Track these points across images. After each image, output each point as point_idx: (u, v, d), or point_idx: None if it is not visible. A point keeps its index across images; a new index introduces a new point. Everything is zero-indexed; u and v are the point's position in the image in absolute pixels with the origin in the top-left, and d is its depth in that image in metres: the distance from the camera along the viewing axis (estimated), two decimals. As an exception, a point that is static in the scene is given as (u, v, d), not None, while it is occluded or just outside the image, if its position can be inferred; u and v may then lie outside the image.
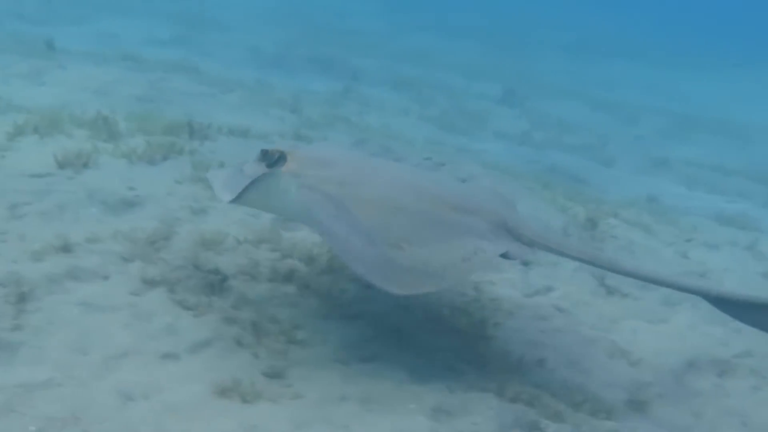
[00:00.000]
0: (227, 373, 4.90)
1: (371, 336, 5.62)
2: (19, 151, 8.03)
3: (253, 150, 5.96)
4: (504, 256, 5.29)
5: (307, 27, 30.12)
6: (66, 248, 5.95)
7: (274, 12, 32.57)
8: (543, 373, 5.71)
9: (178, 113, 10.82)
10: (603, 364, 6.20)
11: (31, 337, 4.98)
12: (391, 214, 5.21)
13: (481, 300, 6.52)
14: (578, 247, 5.80)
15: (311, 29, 29.85)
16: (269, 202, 5.42)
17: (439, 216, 5.34)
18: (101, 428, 4.31)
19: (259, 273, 6.14)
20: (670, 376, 6.24)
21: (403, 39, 33.22)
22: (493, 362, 5.56)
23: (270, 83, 16.91)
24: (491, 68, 28.65)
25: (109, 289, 5.60)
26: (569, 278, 7.46)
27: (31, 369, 4.76)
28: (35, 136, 8.51)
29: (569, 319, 6.74)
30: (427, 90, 21.28)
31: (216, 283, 5.83)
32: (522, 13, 45.72)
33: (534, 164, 15.16)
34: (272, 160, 5.61)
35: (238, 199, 5.11)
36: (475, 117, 19.15)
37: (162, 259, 6.05)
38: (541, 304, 6.85)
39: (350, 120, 14.54)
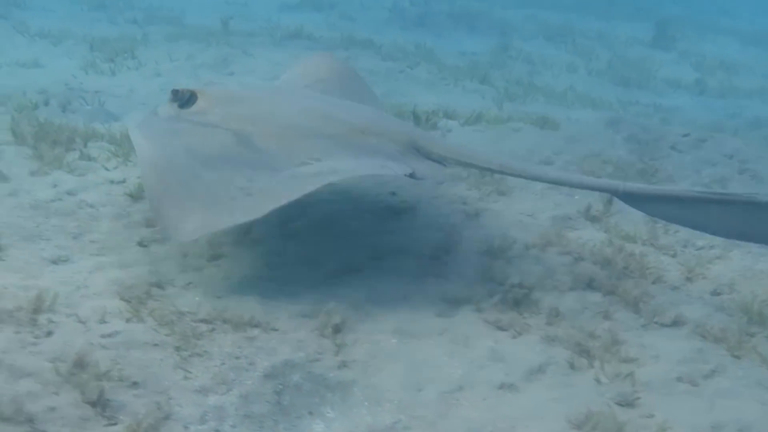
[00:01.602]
0: (576, 403, 4.53)
1: (701, 347, 5.19)
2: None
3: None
4: (412, 176, 5.45)
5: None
6: (357, 269, 5.67)
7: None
8: None
9: (381, 96, 10.42)
10: None
11: (360, 375, 4.71)
12: (300, 141, 5.42)
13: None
14: (487, 158, 6.00)
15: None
16: None
17: (347, 140, 5.56)
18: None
19: (560, 282, 5.75)
20: None
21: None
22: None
23: (429, 47, 16.35)
24: (616, 5, 27.06)
25: (415, 312, 5.29)
26: None
27: (372, 411, 4.50)
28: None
29: None
30: (581, 39, 20.41)
31: (521, 298, 5.47)
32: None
33: (736, 118, 14.22)
34: (183, 99, 5.77)
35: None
36: (638, 66, 18.24)
37: (455, 273, 5.72)
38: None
39: (534, 84, 13.96)
